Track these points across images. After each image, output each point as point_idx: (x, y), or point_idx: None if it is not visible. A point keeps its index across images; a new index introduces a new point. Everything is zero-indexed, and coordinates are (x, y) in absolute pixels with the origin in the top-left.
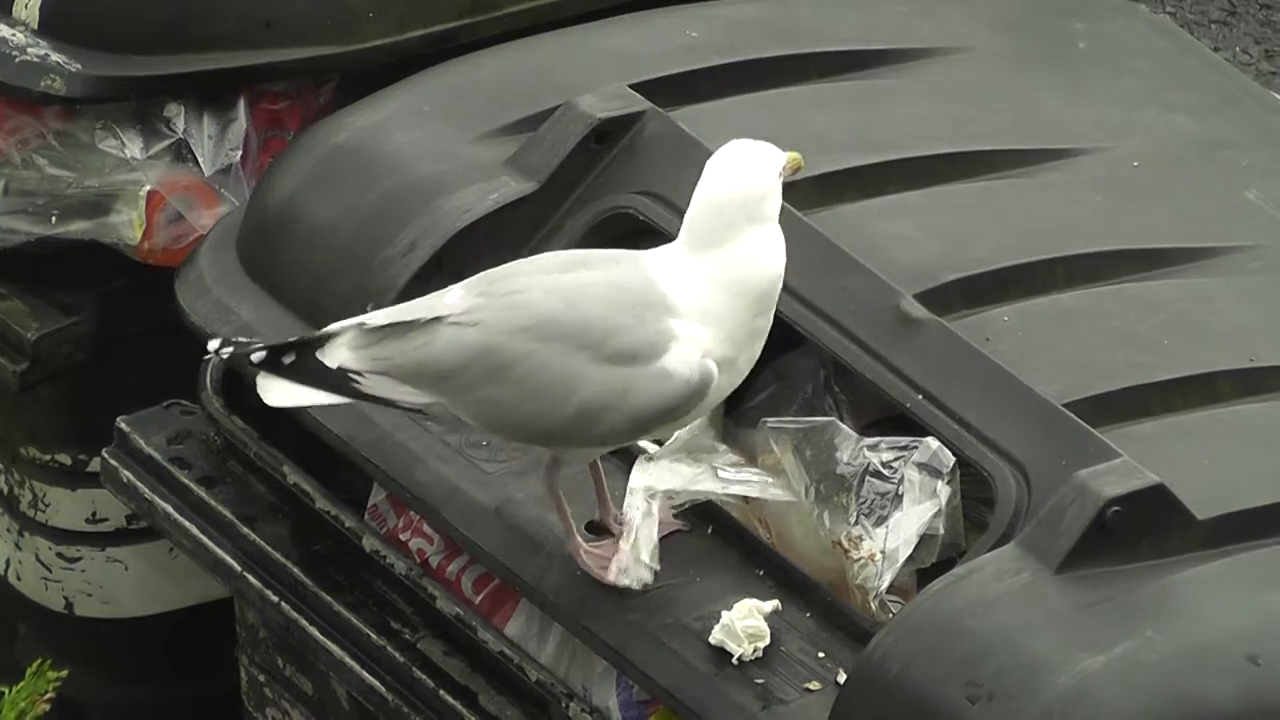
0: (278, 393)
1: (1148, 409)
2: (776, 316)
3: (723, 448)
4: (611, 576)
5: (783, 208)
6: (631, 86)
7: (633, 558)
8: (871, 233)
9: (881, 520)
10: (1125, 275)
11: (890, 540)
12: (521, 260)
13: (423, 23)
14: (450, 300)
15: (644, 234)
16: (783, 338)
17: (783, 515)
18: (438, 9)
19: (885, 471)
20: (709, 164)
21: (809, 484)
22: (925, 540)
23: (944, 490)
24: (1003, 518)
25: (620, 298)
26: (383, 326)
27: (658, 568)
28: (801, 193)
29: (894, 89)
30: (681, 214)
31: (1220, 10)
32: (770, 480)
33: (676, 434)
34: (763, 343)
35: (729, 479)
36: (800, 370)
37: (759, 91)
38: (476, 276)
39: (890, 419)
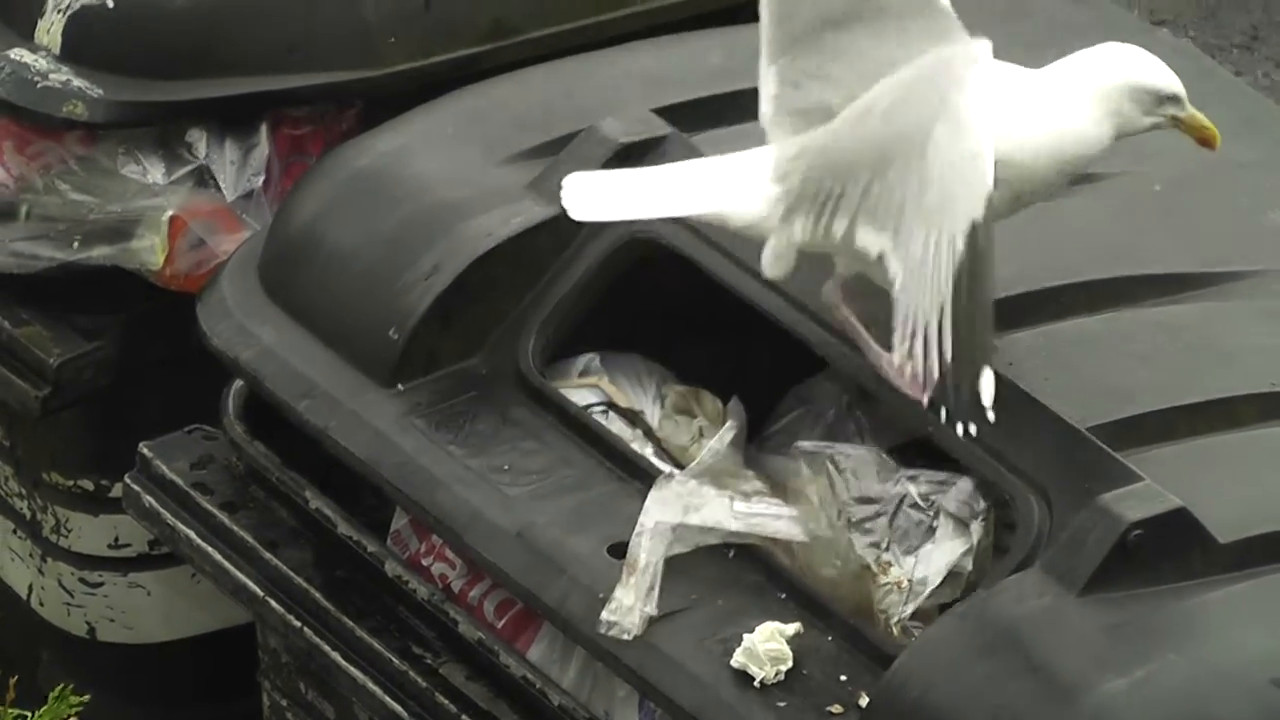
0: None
1: (1170, 433)
2: (798, 341)
3: (749, 474)
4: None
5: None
6: (655, 111)
7: (628, 603)
8: None
9: (911, 550)
10: (1148, 300)
11: (919, 570)
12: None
13: (445, 48)
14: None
15: (667, 259)
16: (803, 361)
17: (807, 541)
18: (460, 34)
19: (922, 504)
20: (1125, 50)
21: (841, 508)
22: (951, 576)
23: (977, 529)
24: (1025, 541)
25: None
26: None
27: (655, 614)
28: None
29: None
30: (704, 239)
31: (1242, 35)
32: (791, 514)
33: (700, 457)
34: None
35: (745, 512)
36: (823, 394)
37: None
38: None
39: (914, 444)
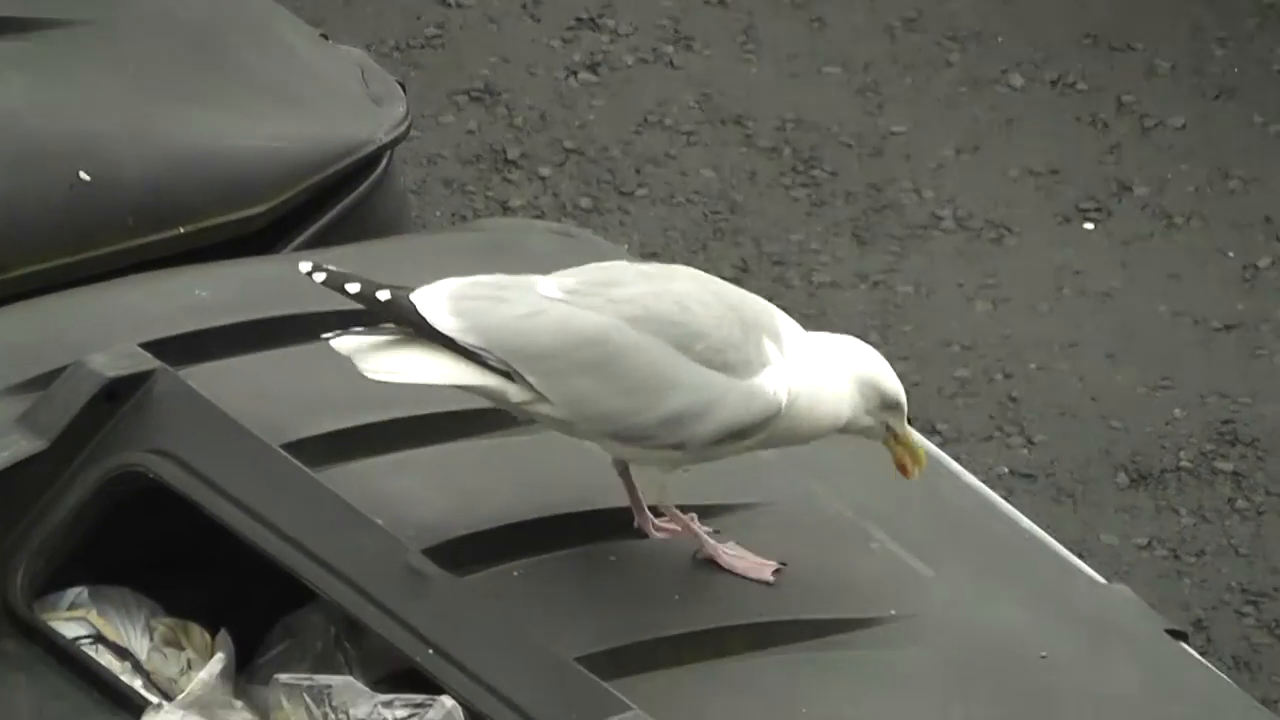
0: (376, 364)
1: (657, 661)
2: (284, 573)
3: (239, 704)
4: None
5: (290, 464)
6: (142, 345)
7: None
8: (382, 489)
9: None
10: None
11: None
12: (603, 264)
13: None
14: (546, 284)
15: (156, 493)
16: (293, 593)
17: None
18: None
19: None
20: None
21: None
22: None
23: None
24: None
25: (728, 313)
26: (476, 287)
27: None
28: (311, 450)
29: None
30: (193, 472)
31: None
32: None
33: (189, 688)
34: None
35: None
36: (311, 626)
37: (271, 349)
38: (563, 272)
39: (404, 675)
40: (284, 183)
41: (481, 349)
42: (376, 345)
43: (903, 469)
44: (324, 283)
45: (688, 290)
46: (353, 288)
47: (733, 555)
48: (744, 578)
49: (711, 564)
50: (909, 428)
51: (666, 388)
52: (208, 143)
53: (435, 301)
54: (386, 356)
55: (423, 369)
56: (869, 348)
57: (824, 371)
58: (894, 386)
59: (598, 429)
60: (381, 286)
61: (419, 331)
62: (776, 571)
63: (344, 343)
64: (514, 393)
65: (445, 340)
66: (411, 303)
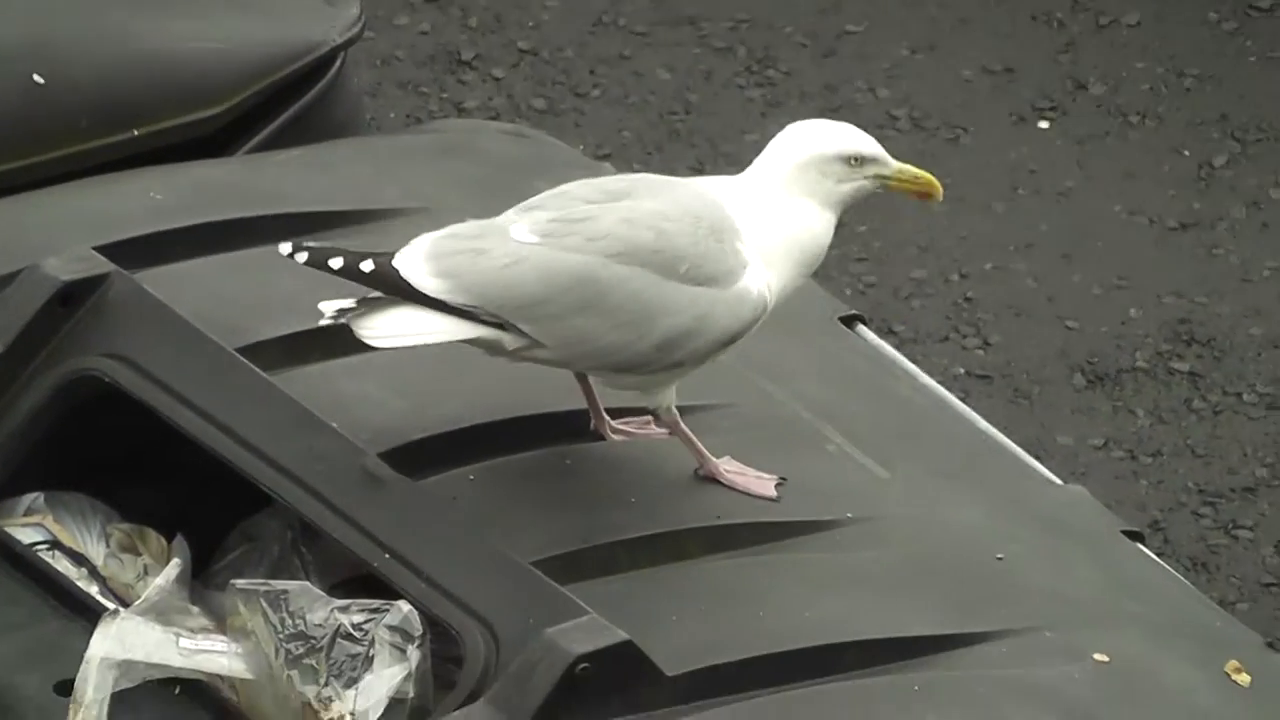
0: (378, 330)
1: (615, 565)
2: (241, 478)
3: (195, 610)
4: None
5: (246, 368)
6: (97, 249)
7: None
8: (338, 392)
9: (352, 682)
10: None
11: (360, 702)
12: (562, 188)
13: None
14: (519, 228)
15: (112, 397)
16: (249, 498)
17: (251, 679)
18: None
19: (356, 634)
20: (797, 128)
21: (278, 645)
22: (394, 704)
23: (414, 654)
24: (471, 675)
25: (699, 226)
26: (453, 241)
27: None
28: (266, 354)
29: (358, 249)
30: (149, 377)
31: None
32: (236, 650)
33: (145, 594)
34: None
35: (191, 649)
36: (268, 531)
37: (226, 253)
38: (523, 205)
39: (360, 579)
40: (238, 84)
41: (472, 306)
42: (367, 309)
43: (924, 198)
44: (306, 263)
45: (657, 210)
46: (335, 263)
47: (733, 471)
48: (745, 493)
49: (666, 466)
50: (898, 162)
51: (658, 314)
52: (161, 45)
53: (416, 264)
54: (381, 320)
55: (419, 330)
56: (802, 130)
57: (784, 218)
58: (851, 145)
59: (596, 364)
60: (363, 257)
61: (406, 297)
62: (778, 485)
63: (331, 307)
64: (509, 341)
65: (435, 302)
66: (395, 269)
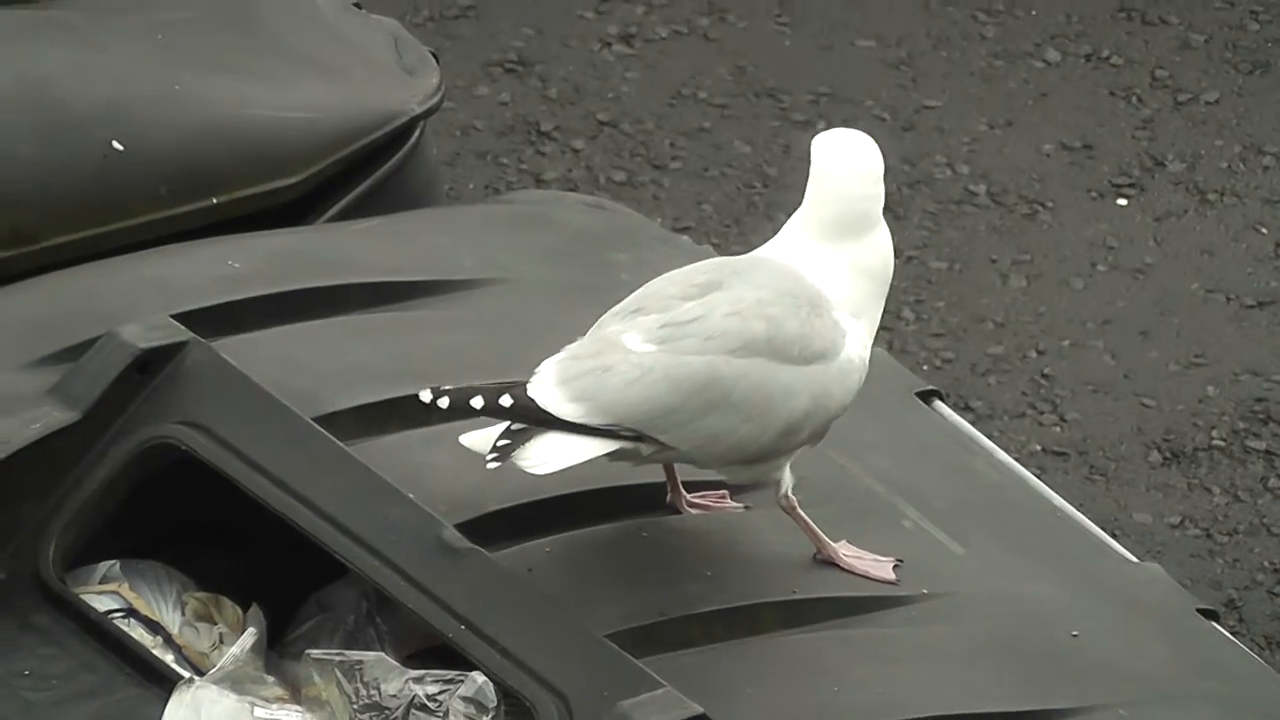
0: (533, 460)
1: (690, 639)
2: (317, 547)
3: (270, 679)
4: (881, 572)
5: (323, 438)
6: (174, 317)
7: None
8: (414, 463)
9: None
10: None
11: None
12: (648, 289)
13: None
14: (631, 338)
15: (188, 465)
16: (325, 568)
17: None
18: None
19: (430, 705)
20: (829, 152)
21: (353, 715)
22: None
23: None
24: None
25: (798, 305)
26: (577, 364)
27: None
28: (343, 423)
29: (435, 319)
30: (225, 445)
31: None
32: (310, 717)
33: (220, 663)
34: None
35: (265, 718)
36: (343, 601)
37: (302, 321)
38: (618, 310)
39: (434, 650)
40: (316, 153)
41: (611, 426)
42: (516, 442)
43: None
44: (448, 408)
45: (759, 298)
46: (477, 403)
47: (851, 555)
48: (865, 577)
49: (742, 539)
50: None
51: (779, 401)
52: (241, 112)
53: (550, 392)
54: (534, 451)
55: (569, 455)
56: (840, 153)
57: (853, 256)
58: (877, 152)
59: (728, 460)
60: (500, 392)
61: (549, 425)
62: (895, 567)
63: (483, 445)
64: (645, 449)
65: (575, 427)
66: (533, 400)
